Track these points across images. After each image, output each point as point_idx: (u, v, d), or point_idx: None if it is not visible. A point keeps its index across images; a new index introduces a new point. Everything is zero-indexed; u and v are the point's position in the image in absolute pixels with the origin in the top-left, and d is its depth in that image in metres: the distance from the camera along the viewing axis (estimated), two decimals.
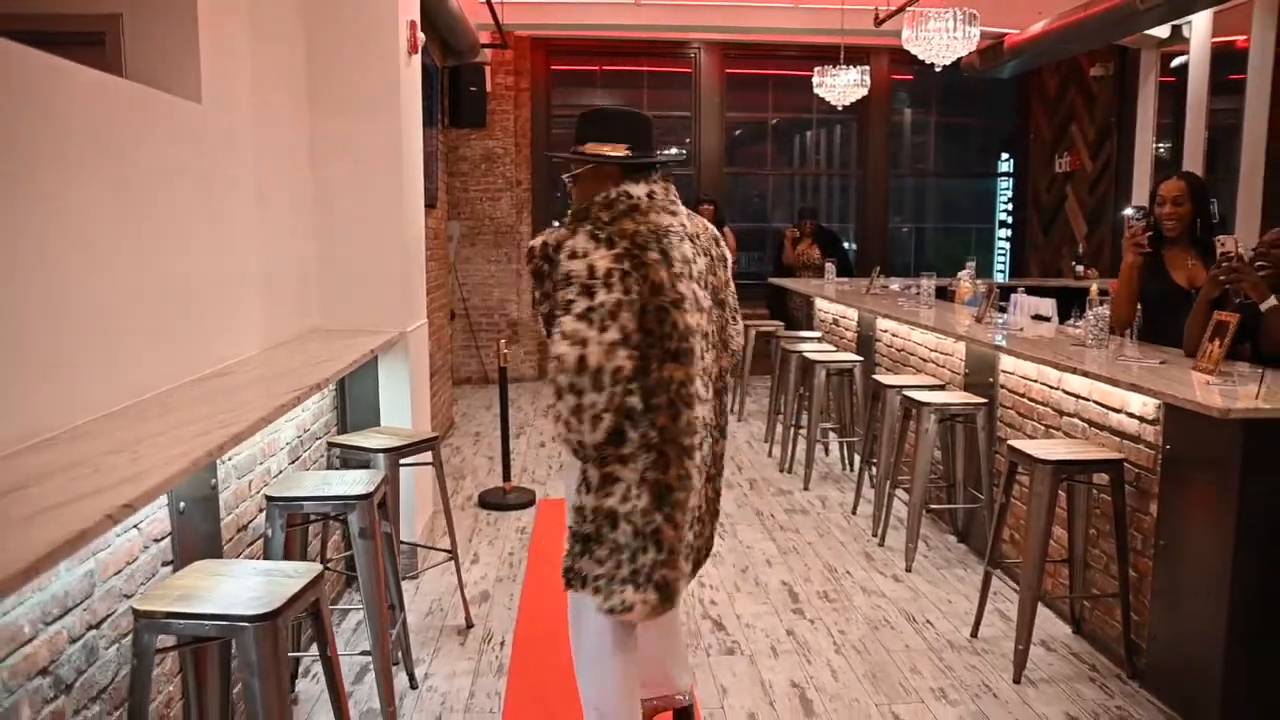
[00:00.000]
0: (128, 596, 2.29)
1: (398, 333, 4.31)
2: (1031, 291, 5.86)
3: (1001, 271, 11.18)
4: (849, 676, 3.52)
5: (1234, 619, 3.00)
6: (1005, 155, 11.21)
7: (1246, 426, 2.92)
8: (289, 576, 2.27)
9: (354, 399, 4.33)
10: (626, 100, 10.94)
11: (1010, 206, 11.18)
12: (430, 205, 6.32)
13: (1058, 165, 10.01)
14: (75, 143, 2.36)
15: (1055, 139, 10.15)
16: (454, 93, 7.62)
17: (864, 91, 7.90)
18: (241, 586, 2.20)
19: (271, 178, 3.76)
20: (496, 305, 9.87)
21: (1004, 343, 4.32)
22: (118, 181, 2.57)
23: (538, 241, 2.38)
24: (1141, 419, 3.47)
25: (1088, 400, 3.81)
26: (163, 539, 2.49)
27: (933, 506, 5.17)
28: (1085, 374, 3.61)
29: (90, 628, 2.12)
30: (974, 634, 3.85)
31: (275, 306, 3.79)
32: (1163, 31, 8.11)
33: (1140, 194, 8.66)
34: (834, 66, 7.82)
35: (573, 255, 2.27)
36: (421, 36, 4.66)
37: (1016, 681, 3.47)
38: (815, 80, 7.92)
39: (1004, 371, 4.52)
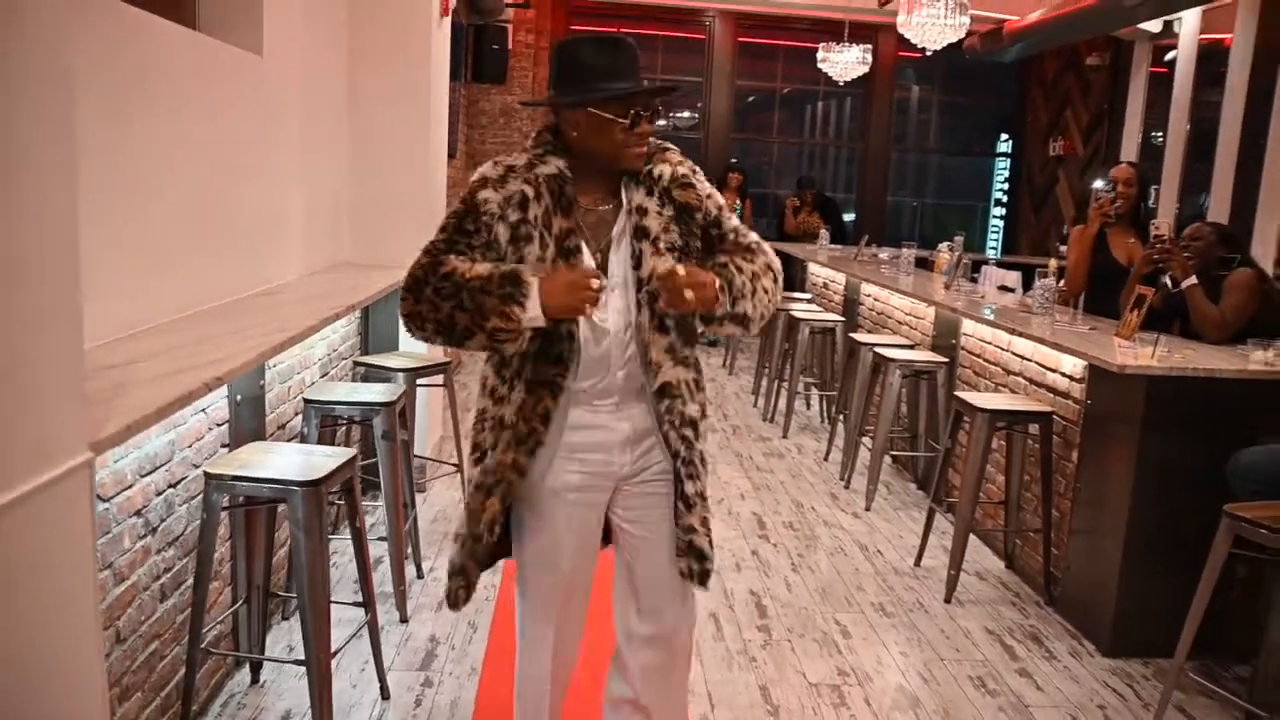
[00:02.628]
0: (196, 466, 2.78)
1: None
2: (1009, 268, 6.31)
3: (994, 248, 11.61)
4: (801, 590, 4.03)
5: (1127, 553, 3.50)
6: (1004, 136, 11.61)
7: (1149, 384, 3.39)
8: (329, 456, 2.75)
9: (376, 326, 4.81)
10: (642, 62, 11.33)
11: (1006, 186, 11.59)
12: (450, 155, 6.77)
13: (1051, 149, 10.41)
14: (170, 88, 2.82)
15: (1051, 123, 10.54)
16: (478, 50, 8.03)
17: (865, 69, 8.30)
18: (290, 462, 2.69)
19: (314, 124, 4.21)
20: None
21: (964, 308, 4.80)
22: (196, 123, 3.03)
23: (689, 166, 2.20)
24: (1071, 378, 3.95)
25: (1030, 360, 4.29)
26: (222, 424, 2.98)
27: (895, 454, 5.67)
28: (1026, 336, 4.08)
29: (170, 486, 2.62)
30: (917, 563, 4.35)
31: (314, 239, 4.26)
32: (1155, 26, 8.49)
33: None
34: (838, 43, 8.21)
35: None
36: (453, 1, 5.09)
37: (947, 601, 3.98)
38: (819, 56, 8.33)
39: (965, 334, 4.99)
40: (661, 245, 2.08)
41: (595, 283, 1.97)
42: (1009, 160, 11.44)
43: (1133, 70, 9.30)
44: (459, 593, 2.27)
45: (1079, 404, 3.87)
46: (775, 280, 2.17)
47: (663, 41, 10.99)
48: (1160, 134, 8.61)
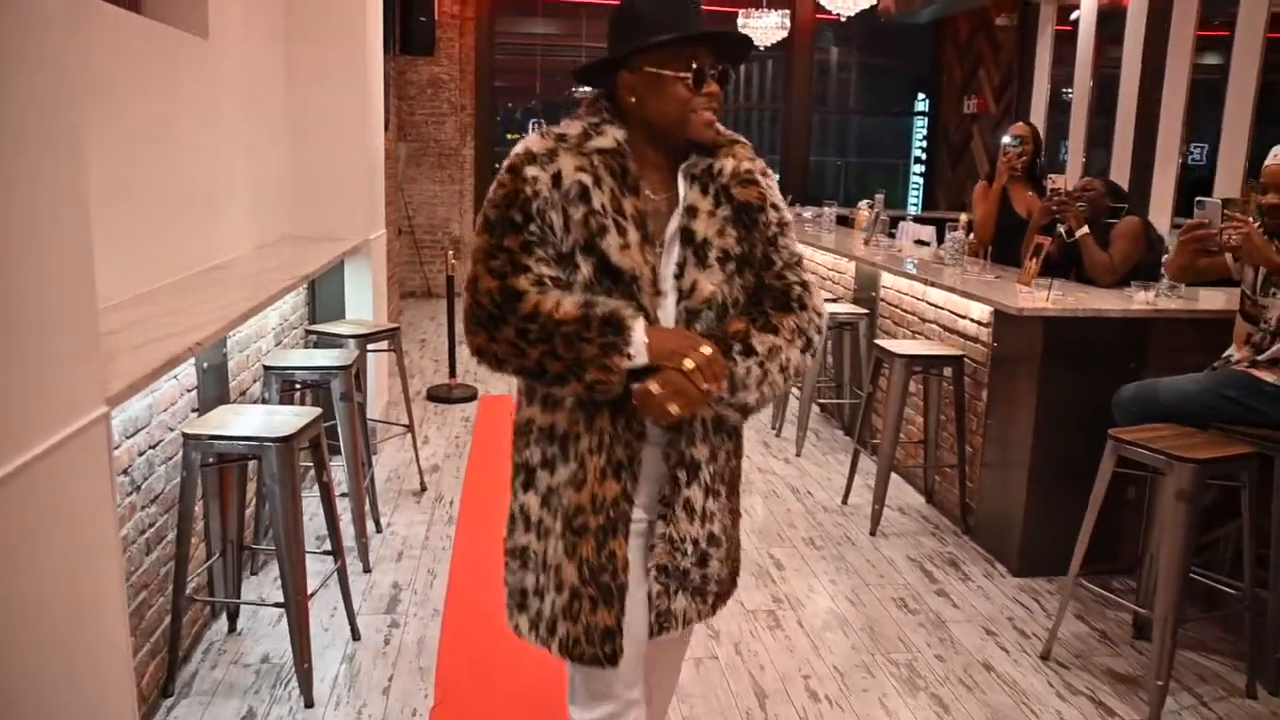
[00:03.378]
0: (171, 429, 2.96)
1: (362, 239, 4.95)
2: (927, 222, 6.65)
3: (915, 204, 12.02)
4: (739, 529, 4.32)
5: (1031, 482, 3.85)
6: (921, 96, 11.98)
7: (1045, 325, 3.73)
8: (296, 415, 2.96)
9: (323, 297, 4.97)
10: (566, 30, 11.46)
11: (925, 144, 11.98)
12: (384, 128, 6.89)
13: (966, 107, 10.80)
14: (121, 73, 2.97)
15: (965, 82, 10.92)
16: (405, 22, 8.13)
17: (784, 34, 8.55)
18: (261, 422, 2.89)
19: (257, 102, 4.35)
20: (440, 223, 10.45)
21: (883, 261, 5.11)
22: (148, 106, 3.18)
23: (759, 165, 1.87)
24: (979, 323, 4.28)
25: (943, 309, 4.61)
26: (191, 390, 3.16)
27: (822, 402, 5.99)
28: (938, 286, 4.40)
29: (150, 447, 2.80)
30: (844, 501, 4.68)
31: (260, 214, 4.41)
32: None
33: None
34: (758, 10, 8.45)
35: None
36: None
37: (872, 534, 4.31)
38: (739, 21, 8.56)
39: (884, 287, 5.31)
40: (712, 254, 1.74)
41: (707, 349, 1.67)
42: (926, 119, 11.82)
43: (1039, 29, 9.69)
44: (615, 653, 1.79)
45: (987, 347, 4.20)
46: (805, 348, 1.80)
47: (586, 9, 11.12)
48: (1068, 90, 9.01)
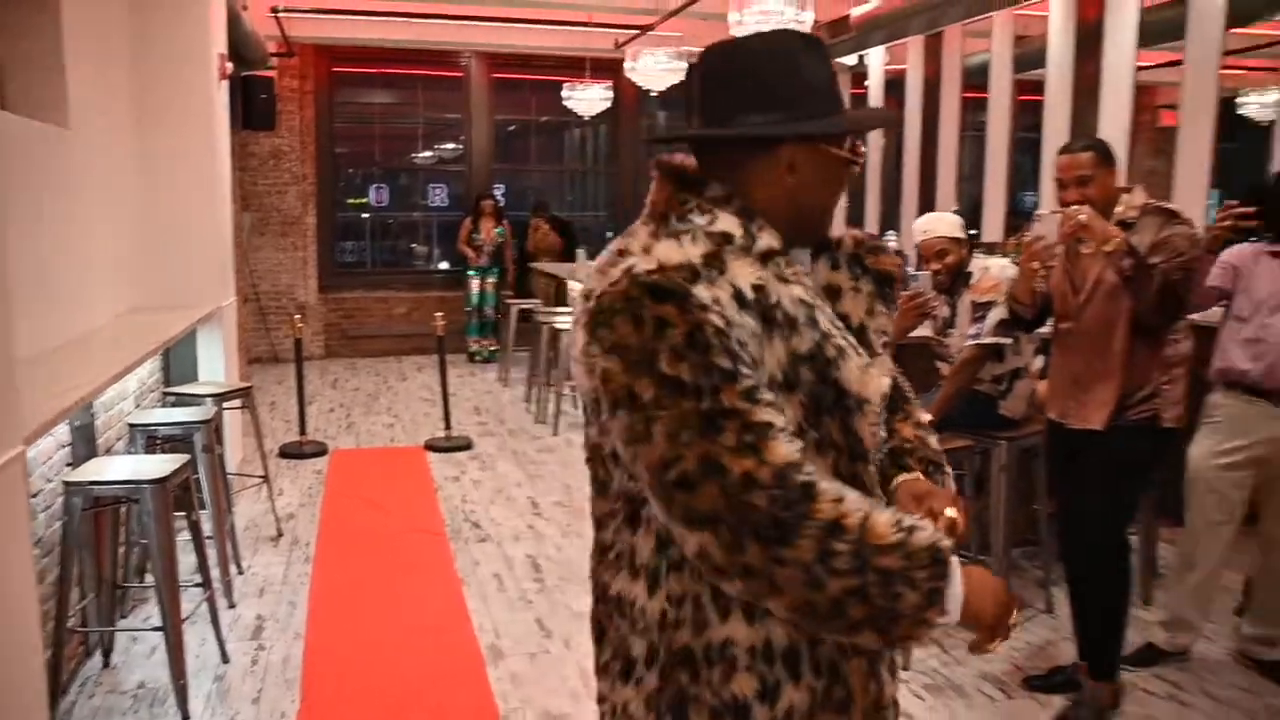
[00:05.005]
0: (49, 480, 3.34)
1: (214, 306, 5.34)
2: None
3: None
4: (571, 550, 4.88)
5: None
6: None
7: None
8: (167, 461, 3.38)
9: (176, 361, 5.33)
10: (403, 99, 11.98)
11: None
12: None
13: None
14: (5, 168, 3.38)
15: None
16: (246, 99, 8.50)
17: (608, 104, 9.30)
18: (135, 468, 3.30)
19: (113, 183, 4.74)
20: (285, 290, 10.75)
21: None
22: (13, 195, 3.58)
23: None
24: None
25: None
26: (65, 446, 3.54)
27: None
28: None
29: (31, 496, 3.18)
30: None
31: (117, 286, 4.78)
32: (851, 59, 9.92)
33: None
34: (582, 82, 9.18)
35: None
36: (229, 66, 5.69)
37: None
38: (564, 94, 9.27)
39: None
40: (874, 339, 1.43)
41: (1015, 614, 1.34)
42: None
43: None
44: None
45: None
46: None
47: (423, 80, 11.67)
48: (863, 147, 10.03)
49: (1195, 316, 3.47)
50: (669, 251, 1.24)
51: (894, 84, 9.46)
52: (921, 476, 1.48)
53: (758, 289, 1.26)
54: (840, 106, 1.37)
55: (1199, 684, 3.52)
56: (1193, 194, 6.06)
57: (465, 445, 6.87)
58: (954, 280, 3.81)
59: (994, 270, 3.77)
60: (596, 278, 1.29)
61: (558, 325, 7.40)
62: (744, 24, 5.24)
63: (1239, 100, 8.17)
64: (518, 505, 5.60)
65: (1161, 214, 3.08)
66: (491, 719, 3.30)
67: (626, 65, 7.68)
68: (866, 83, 9.79)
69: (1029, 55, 7.60)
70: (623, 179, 12.10)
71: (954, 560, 1.22)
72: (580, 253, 9.09)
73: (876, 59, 9.55)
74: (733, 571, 1.18)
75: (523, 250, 10.71)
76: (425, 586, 4.43)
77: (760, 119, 1.33)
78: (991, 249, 6.64)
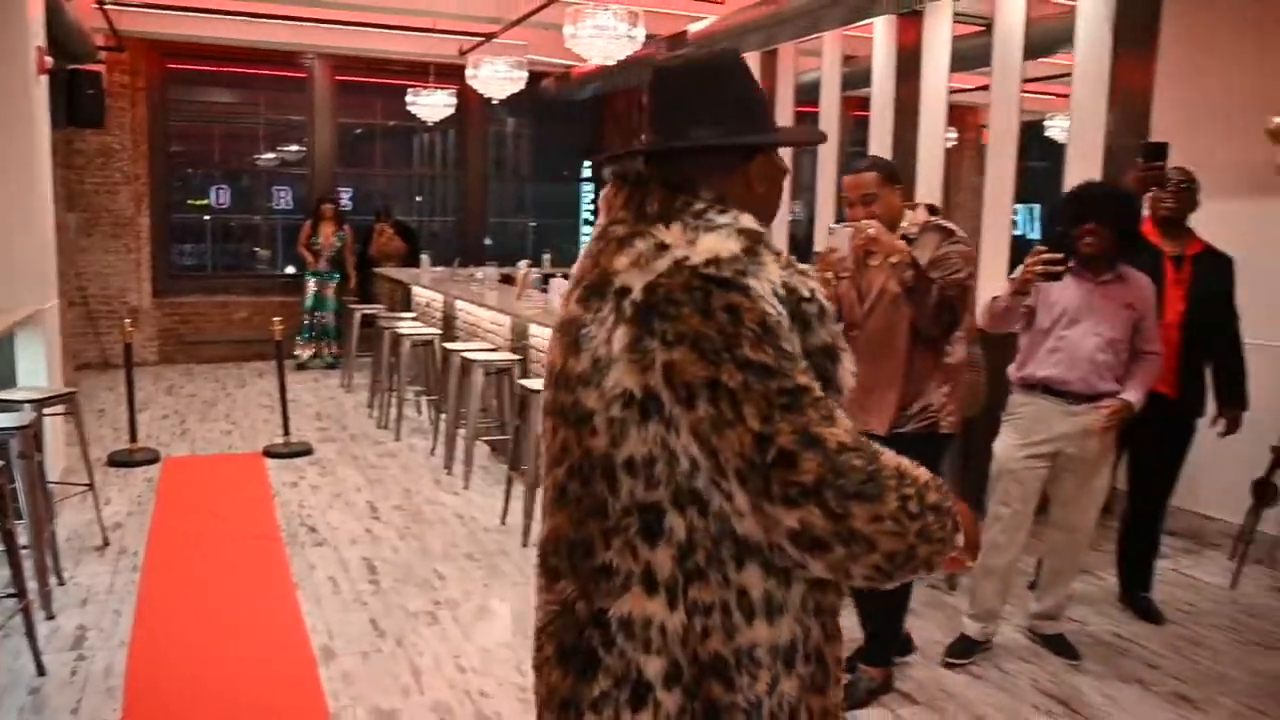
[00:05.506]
0: None
1: (34, 309, 5.18)
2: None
3: None
4: (406, 551, 4.93)
5: None
6: (588, 163, 13.14)
7: None
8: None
9: None
10: (244, 99, 11.70)
11: (593, 206, 13.14)
12: None
13: None
14: None
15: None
16: (71, 94, 8.18)
17: (451, 110, 9.33)
18: None
19: None
20: (116, 294, 10.35)
21: (529, 314, 5.92)
22: None
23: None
24: None
25: None
26: None
27: (488, 440, 6.72)
28: None
29: None
30: (503, 521, 5.39)
31: None
32: None
33: None
34: (426, 87, 9.18)
35: None
36: (49, 60, 5.51)
37: (524, 545, 5.04)
38: (409, 99, 9.25)
39: (532, 335, 6.12)
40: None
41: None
42: (593, 183, 12.96)
43: None
44: None
45: None
46: None
47: (264, 80, 11.43)
48: None
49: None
50: (717, 244, 1.30)
51: None
52: None
53: (786, 285, 1.31)
54: (773, 120, 1.54)
55: (989, 657, 3.85)
56: (999, 209, 6.54)
57: (305, 451, 6.80)
58: None
59: None
60: (633, 272, 1.30)
61: (400, 330, 7.40)
62: (578, 37, 5.40)
63: (1046, 123, 8.81)
64: (356, 509, 5.61)
65: (940, 231, 3.36)
66: (321, 718, 3.35)
67: (468, 73, 7.75)
68: None
69: (857, 74, 8.02)
70: (471, 184, 12.13)
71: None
72: (424, 258, 9.09)
73: None
74: (836, 540, 1.21)
75: (365, 255, 10.62)
76: (257, 591, 4.41)
77: (719, 130, 1.41)
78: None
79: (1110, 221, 3.59)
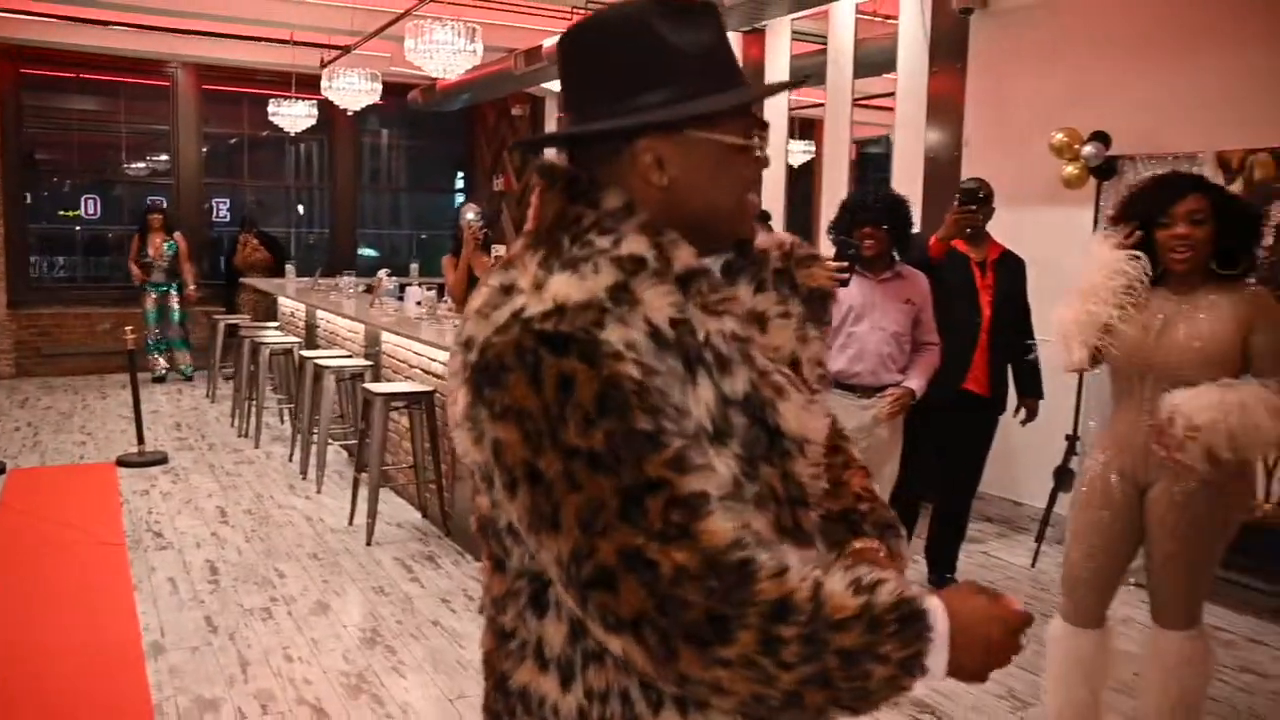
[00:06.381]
0: None
1: None
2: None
3: None
4: (251, 553, 5.02)
5: None
6: (460, 173, 13.26)
7: None
8: None
9: None
10: (105, 107, 11.50)
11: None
12: None
13: (495, 184, 12.19)
14: None
15: (493, 163, 12.32)
16: None
17: (313, 121, 9.37)
18: None
19: None
20: None
21: (380, 322, 6.06)
22: None
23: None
24: (444, 362, 5.31)
25: (422, 355, 5.63)
26: None
27: (344, 444, 6.82)
28: (412, 338, 5.41)
29: None
30: (350, 523, 5.51)
31: None
32: (557, 86, 10.44)
33: None
34: (288, 98, 9.21)
35: None
36: None
37: (368, 544, 5.17)
38: (270, 110, 9.27)
39: (385, 342, 6.26)
40: (809, 371, 1.22)
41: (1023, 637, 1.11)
42: (465, 195, 13.09)
43: (546, 117, 11.29)
44: None
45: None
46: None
47: (126, 88, 11.26)
48: None
49: None
50: (567, 287, 1.03)
51: None
52: (878, 544, 1.29)
53: (678, 323, 1.05)
54: (728, 81, 1.15)
55: None
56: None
57: (159, 460, 6.79)
58: None
59: None
60: (477, 322, 1.07)
61: (260, 340, 7.44)
62: (416, 50, 5.56)
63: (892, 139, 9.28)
64: (205, 514, 5.66)
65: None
66: (144, 708, 3.45)
67: (323, 84, 7.84)
68: None
69: None
70: (340, 195, 12.14)
71: (934, 610, 1.03)
72: (289, 268, 9.11)
73: None
74: (665, 678, 1.02)
75: (230, 265, 10.54)
76: (93, 594, 4.46)
77: (602, 110, 1.13)
78: None
79: (885, 224, 3.93)
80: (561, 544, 1.01)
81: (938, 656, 1.04)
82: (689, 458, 1.03)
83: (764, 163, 1.21)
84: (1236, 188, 4.29)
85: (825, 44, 7.08)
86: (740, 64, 1.22)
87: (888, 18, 6.86)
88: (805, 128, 7.80)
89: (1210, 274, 2.78)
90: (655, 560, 0.98)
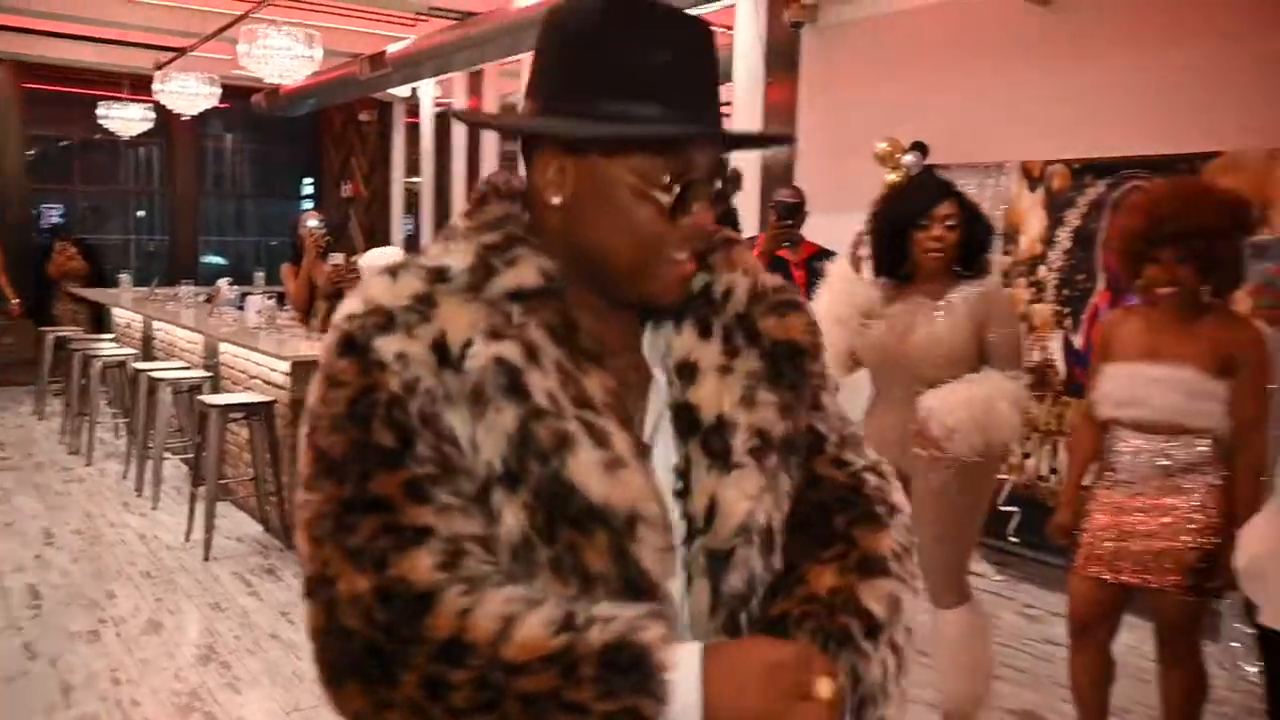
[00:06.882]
0: None
1: None
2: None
3: None
4: (78, 575, 4.82)
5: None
6: (308, 180, 12.98)
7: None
8: None
9: None
10: None
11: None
12: None
13: (343, 191, 11.99)
14: None
15: (341, 169, 12.12)
16: None
17: (150, 125, 9.05)
18: None
19: None
20: None
21: (218, 332, 5.91)
22: None
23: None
24: (284, 373, 5.23)
25: (262, 365, 5.51)
26: None
27: (183, 459, 6.61)
28: (249, 347, 5.29)
29: None
30: (187, 539, 5.35)
31: None
32: (404, 92, 10.36)
33: (398, 215, 11.05)
34: (119, 100, 8.87)
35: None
36: None
37: (205, 560, 5.03)
38: (100, 112, 8.91)
39: (223, 352, 6.10)
40: (737, 441, 1.04)
41: (825, 686, 0.90)
42: (313, 201, 12.82)
43: (394, 124, 11.17)
44: None
45: (290, 391, 5.15)
46: (916, 581, 1.10)
47: None
48: (418, 177, 10.53)
49: None
50: (379, 289, 0.99)
51: (444, 116, 10.03)
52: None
53: (467, 344, 0.96)
54: (671, 110, 0.98)
55: None
56: None
57: None
58: None
59: None
60: None
61: (92, 353, 7.14)
62: (251, 55, 5.46)
63: None
64: (28, 537, 5.41)
65: None
66: None
67: (155, 87, 7.59)
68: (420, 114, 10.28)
69: None
70: (180, 202, 11.73)
71: (674, 658, 0.88)
72: (124, 277, 8.75)
73: (427, 92, 10.05)
74: (343, 712, 0.94)
75: (44, 274, 10.02)
76: None
77: (536, 104, 1.02)
78: None
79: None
80: (300, 545, 0.98)
81: (681, 712, 0.87)
82: (428, 490, 0.94)
83: (688, 221, 1.00)
84: (1039, 196, 4.61)
85: None
86: (717, 99, 1.03)
87: (725, 29, 7.07)
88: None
89: (953, 275, 3.02)
90: (334, 580, 0.92)
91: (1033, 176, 4.71)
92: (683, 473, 1.05)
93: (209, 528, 5.09)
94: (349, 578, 0.91)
